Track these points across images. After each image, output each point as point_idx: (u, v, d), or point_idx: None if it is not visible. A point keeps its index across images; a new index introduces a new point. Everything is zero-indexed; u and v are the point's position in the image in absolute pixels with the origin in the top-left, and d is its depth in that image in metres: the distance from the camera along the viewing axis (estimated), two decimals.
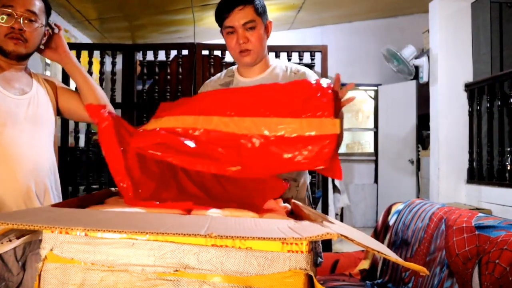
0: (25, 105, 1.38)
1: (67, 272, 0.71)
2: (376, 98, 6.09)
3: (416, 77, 4.87)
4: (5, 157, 1.30)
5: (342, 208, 5.21)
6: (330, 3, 5.17)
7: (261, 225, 0.79)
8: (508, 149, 3.44)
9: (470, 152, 3.86)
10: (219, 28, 1.52)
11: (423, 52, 4.88)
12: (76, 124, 3.70)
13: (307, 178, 1.65)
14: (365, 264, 2.27)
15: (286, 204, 1.19)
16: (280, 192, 1.15)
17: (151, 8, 4.61)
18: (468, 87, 3.90)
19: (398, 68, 5.02)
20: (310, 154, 1.06)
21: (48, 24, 1.45)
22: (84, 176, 3.77)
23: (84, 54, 3.72)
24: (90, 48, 3.93)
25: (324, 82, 1.17)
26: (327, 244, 3.68)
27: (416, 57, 4.71)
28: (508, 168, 3.41)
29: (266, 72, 1.56)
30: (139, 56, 4.23)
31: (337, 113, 1.12)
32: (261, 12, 1.46)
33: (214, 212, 0.98)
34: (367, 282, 2.14)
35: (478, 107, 3.78)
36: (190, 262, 0.70)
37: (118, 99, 3.84)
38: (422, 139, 5.32)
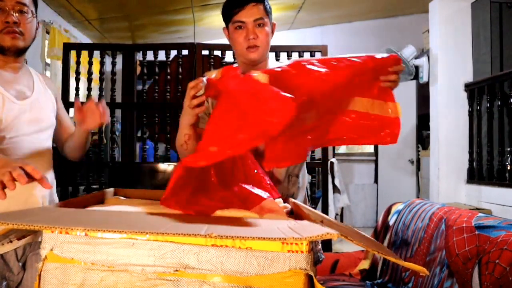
0: (27, 111, 1.34)
1: (67, 272, 0.71)
2: None
3: (416, 77, 4.86)
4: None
5: (342, 208, 5.21)
6: (330, 3, 5.17)
7: (261, 225, 0.79)
8: (508, 149, 3.44)
9: (470, 152, 3.86)
10: (222, 26, 1.52)
11: (423, 52, 4.87)
12: None
13: (307, 177, 1.66)
14: (365, 264, 2.27)
15: (286, 204, 1.19)
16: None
17: (151, 8, 4.61)
18: (468, 87, 3.90)
19: None
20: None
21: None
22: (84, 176, 3.75)
23: (84, 54, 3.72)
24: (90, 48, 3.92)
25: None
26: (327, 244, 3.68)
27: (416, 57, 4.70)
28: (508, 168, 3.41)
29: None
30: (139, 56, 4.23)
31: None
32: (269, 12, 1.48)
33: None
34: (367, 282, 2.14)
35: (478, 107, 3.78)
36: (190, 262, 0.70)
37: (118, 99, 3.83)
38: (422, 139, 5.32)
